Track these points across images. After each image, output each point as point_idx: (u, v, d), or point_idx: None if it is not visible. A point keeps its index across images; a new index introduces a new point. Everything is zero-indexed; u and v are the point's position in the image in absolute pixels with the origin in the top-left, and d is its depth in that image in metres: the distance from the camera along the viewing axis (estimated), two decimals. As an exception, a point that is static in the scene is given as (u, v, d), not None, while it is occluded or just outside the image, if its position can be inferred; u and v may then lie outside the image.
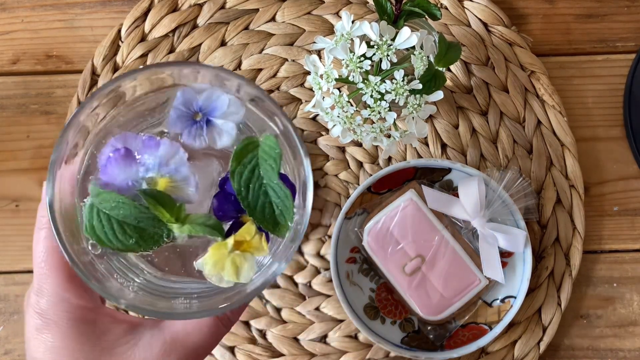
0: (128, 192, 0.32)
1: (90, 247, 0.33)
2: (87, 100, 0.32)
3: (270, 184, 0.32)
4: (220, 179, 0.35)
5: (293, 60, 0.60)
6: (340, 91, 0.48)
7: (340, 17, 0.60)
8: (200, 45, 0.60)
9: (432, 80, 0.47)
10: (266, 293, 0.59)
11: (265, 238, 0.33)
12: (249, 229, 0.32)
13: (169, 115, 0.33)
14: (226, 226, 0.34)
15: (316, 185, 0.59)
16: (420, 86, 0.47)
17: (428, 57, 0.48)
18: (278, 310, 0.58)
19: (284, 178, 0.33)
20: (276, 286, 0.59)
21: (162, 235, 0.32)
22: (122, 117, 0.35)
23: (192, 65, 0.34)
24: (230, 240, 0.32)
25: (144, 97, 0.35)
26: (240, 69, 0.60)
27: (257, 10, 0.60)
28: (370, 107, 0.47)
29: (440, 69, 0.49)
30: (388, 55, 0.46)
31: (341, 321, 0.58)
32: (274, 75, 0.60)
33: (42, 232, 0.34)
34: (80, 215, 0.33)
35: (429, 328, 0.56)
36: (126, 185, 0.32)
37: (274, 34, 0.60)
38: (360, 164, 0.59)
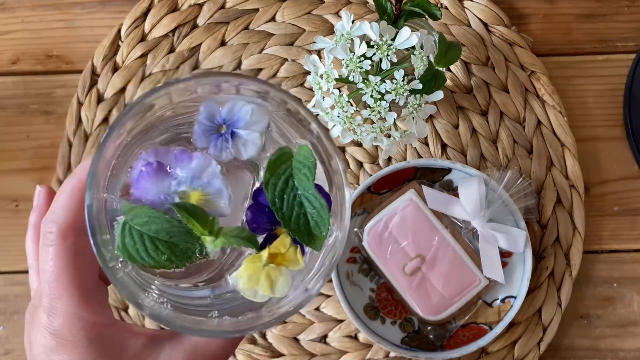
0: (160, 206, 0.31)
1: (119, 265, 0.32)
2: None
3: (305, 194, 0.32)
4: (253, 190, 0.34)
5: (293, 60, 0.60)
6: (340, 91, 0.48)
7: (340, 17, 0.60)
8: (200, 45, 0.60)
9: (432, 80, 0.47)
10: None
11: (300, 250, 0.32)
12: (283, 241, 0.32)
13: (193, 130, 0.33)
14: (260, 239, 0.33)
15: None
16: (420, 86, 0.47)
17: (428, 57, 0.48)
18: (278, 310, 0.58)
19: (319, 189, 0.32)
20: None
21: (195, 251, 0.31)
22: (146, 131, 0.34)
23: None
24: (265, 253, 0.31)
25: (165, 109, 0.34)
26: (240, 69, 0.60)
27: (257, 10, 0.60)
28: (370, 107, 0.47)
29: (440, 69, 0.49)
30: (388, 55, 0.46)
31: (341, 321, 0.58)
32: (274, 75, 0.60)
33: (51, 249, 0.33)
34: (108, 231, 0.32)
35: (429, 328, 0.56)
36: (158, 199, 0.31)
37: (274, 34, 0.60)
38: (360, 164, 0.59)
